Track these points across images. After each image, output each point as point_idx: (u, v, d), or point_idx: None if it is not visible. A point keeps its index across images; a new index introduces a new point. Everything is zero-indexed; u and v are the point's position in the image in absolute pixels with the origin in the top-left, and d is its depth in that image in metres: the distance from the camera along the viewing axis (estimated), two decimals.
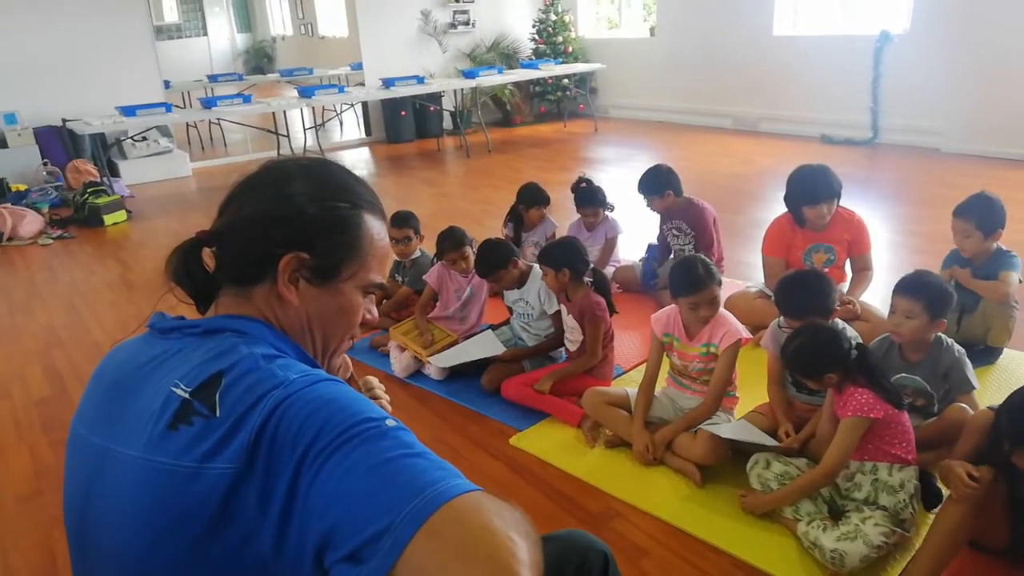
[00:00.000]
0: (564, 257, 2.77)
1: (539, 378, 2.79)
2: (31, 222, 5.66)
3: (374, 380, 1.35)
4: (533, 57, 9.37)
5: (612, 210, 3.93)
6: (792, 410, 2.40)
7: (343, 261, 0.94)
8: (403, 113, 8.89)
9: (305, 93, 7.26)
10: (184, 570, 0.76)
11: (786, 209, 3.18)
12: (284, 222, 0.91)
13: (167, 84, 9.03)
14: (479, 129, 8.50)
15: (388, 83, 7.66)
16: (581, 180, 3.87)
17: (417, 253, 3.44)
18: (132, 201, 6.66)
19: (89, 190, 6.03)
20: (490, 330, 3.15)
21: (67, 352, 3.56)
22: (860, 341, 2.12)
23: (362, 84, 8.88)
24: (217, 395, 0.78)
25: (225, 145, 9.79)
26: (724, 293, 2.55)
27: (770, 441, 2.22)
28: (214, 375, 0.80)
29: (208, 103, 6.83)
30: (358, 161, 8.46)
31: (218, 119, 8.23)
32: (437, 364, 2.97)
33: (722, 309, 2.45)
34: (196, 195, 7.17)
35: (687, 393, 2.53)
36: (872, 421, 1.93)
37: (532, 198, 3.86)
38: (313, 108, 7.69)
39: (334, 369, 1.03)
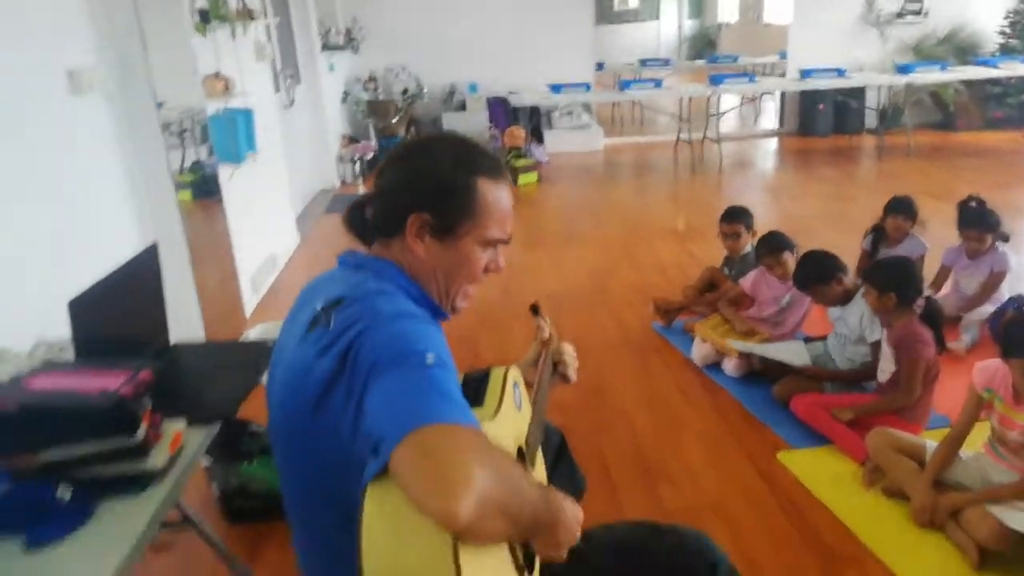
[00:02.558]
0: (892, 278, 2.50)
1: (837, 402, 2.60)
2: None
3: (568, 348, 1.52)
4: (997, 53, 7.95)
5: (1006, 240, 3.31)
6: None
7: (459, 221, 1.11)
8: (821, 107, 8.39)
9: (715, 81, 7.35)
10: (301, 433, 1.04)
11: None
12: (410, 189, 1.12)
13: (600, 66, 9.93)
14: (912, 130, 7.60)
15: (805, 74, 7.32)
16: (971, 198, 3.34)
17: (747, 249, 3.39)
18: (547, 167, 7.61)
19: (512, 153, 7.08)
20: (802, 341, 3.00)
21: None
22: None
23: (783, 75, 8.60)
24: (334, 313, 1.01)
25: (642, 124, 10.45)
26: None
27: None
28: (339, 298, 1.03)
29: (624, 85, 7.38)
30: (762, 152, 8.30)
31: (634, 101, 8.80)
32: (737, 348, 2.96)
33: None
34: (601, 167, 7.86)
35: (1003, 465, 2.12)
36: None
37: (895, 206, 3.47)
38: (720, 96, 7.69)
39: (456, 309, 1.21)
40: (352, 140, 7.58)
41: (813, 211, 5.60)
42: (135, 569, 2.12)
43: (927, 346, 2.43)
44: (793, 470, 2.42)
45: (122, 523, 1.16)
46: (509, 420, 1.17)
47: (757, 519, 2.21)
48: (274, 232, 4.57)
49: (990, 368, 2.15)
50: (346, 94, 7.81)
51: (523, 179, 6.84)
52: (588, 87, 7.31)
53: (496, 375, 1.22)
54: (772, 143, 8.78)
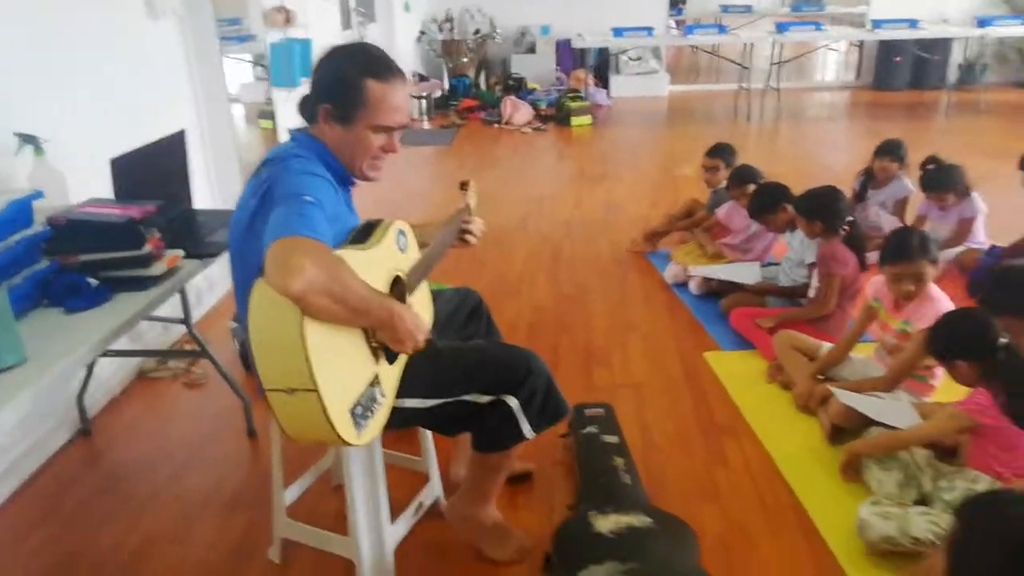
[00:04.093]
0: (818, 208, 2.81)
1: (767, 314, 2.95)
2: (524, 114, 7.30)
3: (479, 221, 1.94)
4: None
5: (967, 194, 3.51)
6: None
7: (353, 111, 1.52)
8: (897, 59, 8.22)
9: (781, 28, 7.36)
10: (240, 247, 1.55)
11: None
12: (321, 87, 1.56)
13: (679, 10, 9.93)
14: (996, 88, 7.39)
15: (876, 24, 7.23)
16: (929, 160, 3.59)
17: (724, 183, 3.69)
18: (605, 110, 7.89)
19: (570, 95, 7.40)
20: (757, 263, 3.33)
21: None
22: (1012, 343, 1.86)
23: (861, 26, 8.43)
24: (264, 168, 1.51)
25: (717, 72, 10.44)
26: None
27: (891, 421, 2.12)
28: (271, 157, 1.53)
29: (688, 30, 7.51)
30: (827, 105, 8.27)
31: (710, 49, 8.83)
32: (695, 274, 3.33)
33: (935, 290, 2.29)
34: (657, 115, 8.04)
35: (882, 366, 2.45)
36: (977, 424, 1.78)
37: (884, 149, 3.69)
38: (783, 44, 7.64)
39: (367, 177, 1.65)
40: (422, 79, 8.09)
41: (852, 164, 5.66)
42: (176, 396, 2.74)
43: (843, 265, 2.74)
44: (713, 366, 2.81)
45: (128, 306, 1.73)
46: (385, 255, 1.63)
47: (664, 397, 2.63)
48: None
49: (879, 281, 2.47)
50: (422, 34, 8.29)
51: (576, 121, 7.15)
52: (650, 32, 7.47)
53: (384, 223, 1.70)
54: (843, 96, 8.69)
